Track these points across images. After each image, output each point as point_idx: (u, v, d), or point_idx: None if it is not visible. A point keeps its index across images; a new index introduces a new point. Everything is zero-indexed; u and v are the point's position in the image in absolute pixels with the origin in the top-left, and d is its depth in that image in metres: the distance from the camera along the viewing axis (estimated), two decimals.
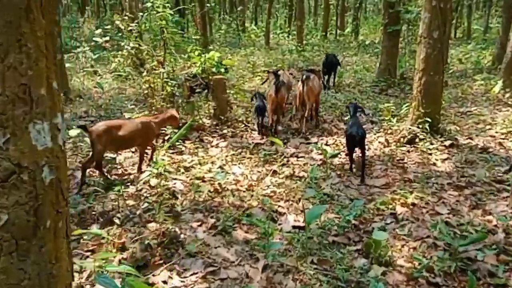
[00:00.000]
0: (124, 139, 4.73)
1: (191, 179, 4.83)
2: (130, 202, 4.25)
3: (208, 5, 15.00)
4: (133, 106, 6.87)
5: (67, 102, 8.76)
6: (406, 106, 6.25)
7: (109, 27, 10.63)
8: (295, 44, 16.38)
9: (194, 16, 14.64)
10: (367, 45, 17.99)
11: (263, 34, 20.82)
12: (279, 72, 6.75)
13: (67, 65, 10.53)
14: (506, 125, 6.64)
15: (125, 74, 10.37)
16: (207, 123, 7.03)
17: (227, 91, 7.39)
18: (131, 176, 5.01)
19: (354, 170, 5.26)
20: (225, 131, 6.75)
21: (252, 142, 6.30)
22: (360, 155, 5.11)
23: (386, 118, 6.39)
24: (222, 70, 7.00)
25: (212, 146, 6.22)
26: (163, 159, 4.93)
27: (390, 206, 4.24)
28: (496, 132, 6.49)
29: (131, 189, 4.55)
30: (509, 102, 8.22)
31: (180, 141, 5.91)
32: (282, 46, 19.12)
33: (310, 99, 6.61)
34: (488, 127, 6.80)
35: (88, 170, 4.77)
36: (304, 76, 6.59)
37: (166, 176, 4.35)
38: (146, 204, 4.11)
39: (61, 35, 8.73)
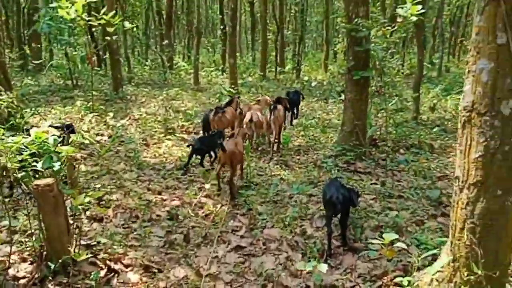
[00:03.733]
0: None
1: None
2: None
3: (117, 38, 11.23)
4: None
5: None
6: (441, 266, 2.85)
7: None
8: (228, 86, 13.14)
9: (88, 53, 10.83)
10: (313, 86, 15.13)
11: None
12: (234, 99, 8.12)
13: None
14: None
15: None
16: (25, 276, 3.32)
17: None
18: None
19: None
20: None
21: None
22: None
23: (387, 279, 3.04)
24: (55, 165, 3.37)
25: None
26: None
27: None
28: None
29: None
30: None
31: None
32: (214, 86, 15.90)
33: (276, 127, 7.25)
34: None
35: None
36: (272, 106, 7.32)
37: None
38: None
39: None
